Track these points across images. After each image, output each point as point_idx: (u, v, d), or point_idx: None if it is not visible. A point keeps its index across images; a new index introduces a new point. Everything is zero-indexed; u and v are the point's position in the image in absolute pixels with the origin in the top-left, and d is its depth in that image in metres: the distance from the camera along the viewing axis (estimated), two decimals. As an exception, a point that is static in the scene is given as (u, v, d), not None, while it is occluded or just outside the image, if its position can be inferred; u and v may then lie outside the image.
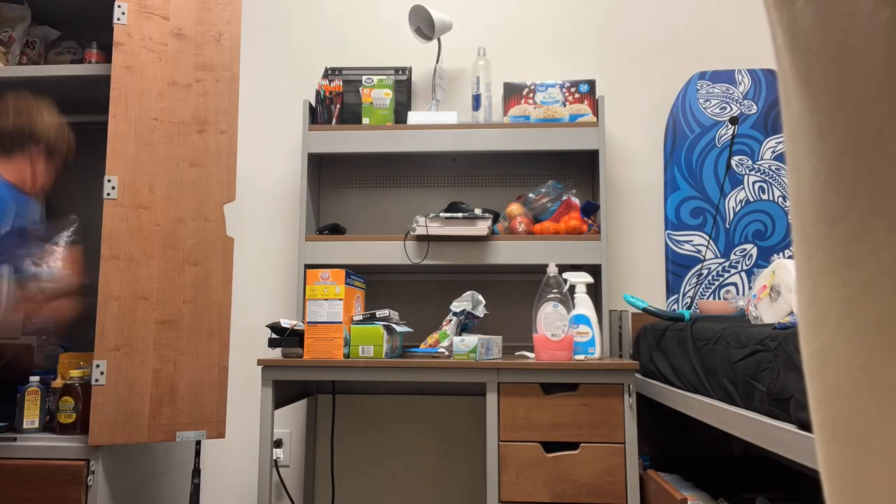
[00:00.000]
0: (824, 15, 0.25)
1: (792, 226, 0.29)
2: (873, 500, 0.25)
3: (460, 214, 2.20)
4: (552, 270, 1.93)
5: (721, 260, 2.42)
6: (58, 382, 1.87)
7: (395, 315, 2.04)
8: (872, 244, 0.24)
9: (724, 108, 2.49)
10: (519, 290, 2.46)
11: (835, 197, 0.26)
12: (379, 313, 1.98)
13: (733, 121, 2.43)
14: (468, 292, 2.12)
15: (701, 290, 2.41)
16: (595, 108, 2.33)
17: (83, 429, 1.80)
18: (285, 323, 1.99)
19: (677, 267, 2.43)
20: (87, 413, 1.80)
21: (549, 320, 1.88)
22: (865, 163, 0.24)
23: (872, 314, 0.24)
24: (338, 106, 2.39)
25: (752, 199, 2.44)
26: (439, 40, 2.46)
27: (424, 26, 2.42)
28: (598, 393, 1.83)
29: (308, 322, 1.93)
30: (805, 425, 1.08)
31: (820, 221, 0.26)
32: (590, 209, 2.28)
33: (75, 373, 1.85)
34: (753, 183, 2.45)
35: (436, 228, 2.20)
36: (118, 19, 1.89)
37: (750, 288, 2.37)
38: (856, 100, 0.24)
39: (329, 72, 2.47)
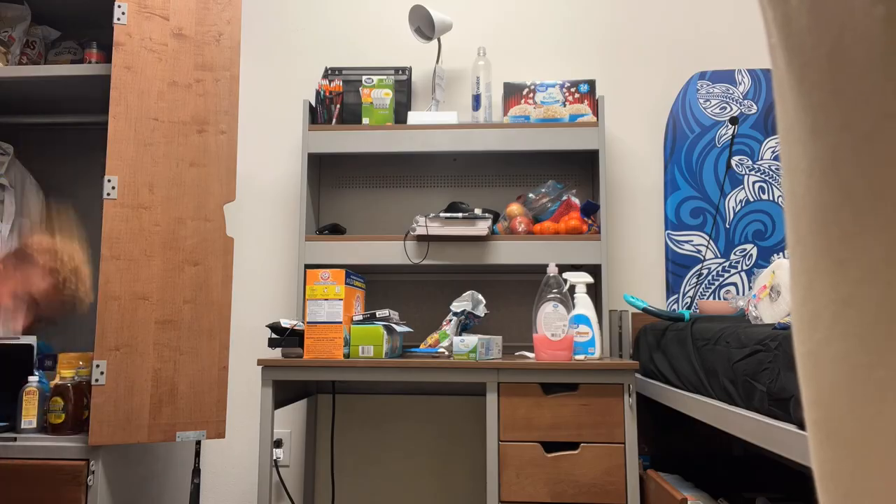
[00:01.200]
0: (819, 13, 0.25)
1: (786, 225, 0.29)
2: (867, 501, 0.25)
3: (460, 214, 2.20)
4: (552, 270, 1.92)
5: (721, 260, 2.42)
6: (55, 382, 1.87)
7: (395, 315, 2.04)
8: (866, 242, 0.24)
9: (724, 108, 2.49)
10: (519, 290, 2.46)
11: (829, 195, 0.26)
12: (379, 313, 1.98)
13: (733, 121, 2.43)
14: (468, 292, 2.12)
15: (701, 290, 2.41)
16: (595, 108, 2.33)
17: (74, 429, 1.80)
18: (285, 323, 1.98)
19: (677, 267, 2.43)
20: (77, 413, 1.81)
21: (549, 320, 1.87)
22: (860, 160, 0.24)
23: (867, 313, 0.24)
24: (338, 106, 2.39)
25: (752, 199, 2.44)
26: (439, 40, 2.45)
27: (424, 26, 2.42)
28: (598, 393, 1.83)
29: (308, 322, 1.93)
30: (805, 425, 1.08)
31: (814, 220, 0.26)
32: (590, 209, 2.27)
33: (67, 373, 1.84)
34: (753, 183, 2.44)
35: (436, 228, 2.20)
36: (118, 19, 1.89)
37: (750, 288, 2.37)
38: (851, 97, 0.24)
39: (329, 72, 2.47)
